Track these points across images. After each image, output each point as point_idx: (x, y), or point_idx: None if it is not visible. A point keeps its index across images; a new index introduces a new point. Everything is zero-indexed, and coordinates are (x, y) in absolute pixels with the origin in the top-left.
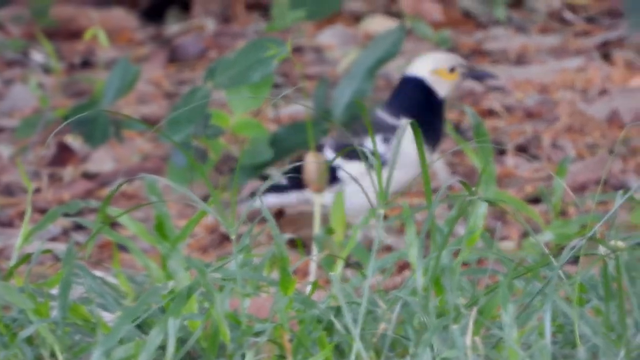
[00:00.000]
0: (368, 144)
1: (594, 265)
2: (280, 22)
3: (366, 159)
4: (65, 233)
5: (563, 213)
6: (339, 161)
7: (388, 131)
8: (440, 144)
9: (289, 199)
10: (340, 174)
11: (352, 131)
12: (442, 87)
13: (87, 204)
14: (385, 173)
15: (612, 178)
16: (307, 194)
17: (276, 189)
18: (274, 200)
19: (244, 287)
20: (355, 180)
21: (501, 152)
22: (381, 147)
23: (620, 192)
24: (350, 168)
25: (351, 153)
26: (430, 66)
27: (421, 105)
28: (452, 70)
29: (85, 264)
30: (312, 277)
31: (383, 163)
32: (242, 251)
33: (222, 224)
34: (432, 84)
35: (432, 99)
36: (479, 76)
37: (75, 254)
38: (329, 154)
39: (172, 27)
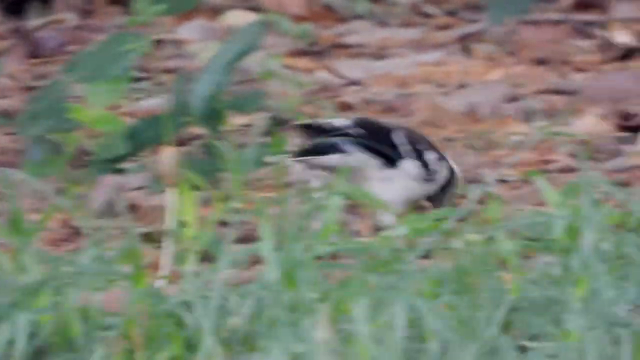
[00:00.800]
0: (428, 156)
1: (446, 259)
2: (141, 16)
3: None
4: None
5: (418, 207)
6: (405, 150)
7: (441, 156)
8: None
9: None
10: (402, 163)
11: (417, 135)
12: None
13: None
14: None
15: (467, 172)
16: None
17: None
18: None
19: (95, 281)
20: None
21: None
22: (435, 165)
23: (474, 186)
24: (409, 163)
25: (415, 151)
26: None
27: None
28: None
29: None
30: (163, 271)
31: (432, 179)
32: (94, 245)
33: (75, 217)
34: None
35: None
36: None
37: None
38: (396, 137)
39: (33, 21)
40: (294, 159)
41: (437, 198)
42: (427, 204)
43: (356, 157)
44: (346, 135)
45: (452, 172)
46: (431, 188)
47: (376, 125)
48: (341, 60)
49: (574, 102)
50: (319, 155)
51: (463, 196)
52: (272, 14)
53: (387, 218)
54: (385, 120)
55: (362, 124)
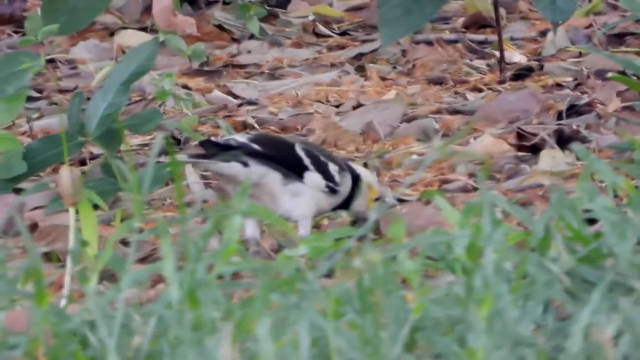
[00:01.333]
0: (331, 168)
1: (349, 279)
2: (33, 36)
3: (328, 179)
4: None
5: (317, 226)
6: (309, 164)
7: (341, 168)
8: None
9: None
10: (306, 175)
11: (320, 151)
12: (365, 174)
13: None
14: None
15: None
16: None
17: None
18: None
19: None
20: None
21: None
22: (337, 176)
23: (376, 204)
24: (313, 176)
25: (318, 165)
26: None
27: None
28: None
29: None
30: (66, 290)
31: (336, 190)
32: None
33: None
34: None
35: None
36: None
37: None
38: (299, 151)
39: None
40: (191, 159)
41: (342, 208)
42: (333, 214)
43: (257, 170)
44: (246, 148)
45: (355, 181)
46: (337, 199)
47: (277, 140)
48: (235, 80)
49: (471, 121)
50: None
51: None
52: (164, 34)
53: (301, 231)
54: (285, 135)
55: (262, 139)
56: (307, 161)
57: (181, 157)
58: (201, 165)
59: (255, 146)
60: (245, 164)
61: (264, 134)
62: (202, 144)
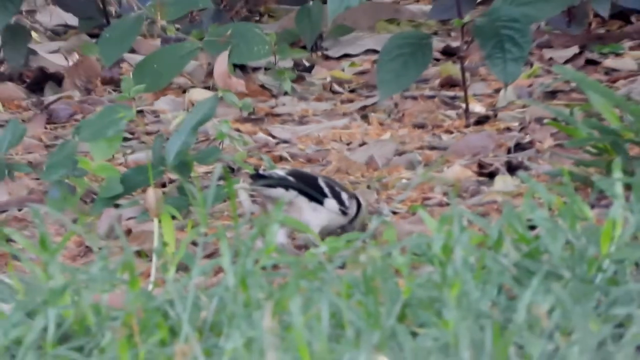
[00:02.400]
0: (343, 196)
1: (357, 269)
2: (127, 93)
3: (341, 204)
4: None
5: (334, 233)
6: (328, 192)
7: (350, 196)
8: None
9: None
10: (326, 201)
11: (335, 183)
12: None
13: None
14: (342, 219)
15: (369, 206)
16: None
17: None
18: (268, 192)
19: (103, 286)
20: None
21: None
22: (347, 202)
23: (375, 216)
24: (331, 202)
25: (334, 194)
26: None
27: (350, 192)
28: None
29: None
30: (152, 278)
31: (346, 212)
32: (101, 259)
33: (87, 239)
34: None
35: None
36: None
37: None
38: (321, 183)
39: (49, 97)
40: (248, 186)
41: (349, 226)
42: (340, 231)
43: (292, 193)
44: (284, 179)
45: (359, 206)
46: (345, 219)
47: (305, 174)
48: (274, 125)
49: (444, 155)
50: (266, 187)
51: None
52: (222, 91)
53: (313, 238)
54: (309, 170)
55: (295, 173)
56: (326, 190)
57: (242, 185)
58: (256, 189)
59: (290, 178)
60: (286, 188)
61: (296, 170)
62: (254, 176)
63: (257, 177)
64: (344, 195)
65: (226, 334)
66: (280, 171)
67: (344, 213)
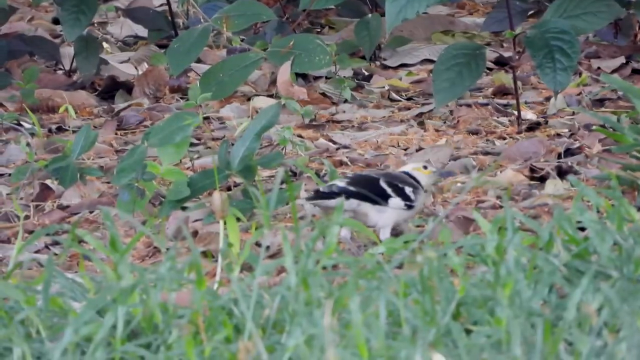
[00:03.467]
0: (407, 190)
1: (413, 269)
2: (194, 101)
3: (406, 199)
4: (46, 247)
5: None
6: (391, 192)
7: (414, 188)
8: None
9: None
10: (390, 201)
11: (396, 178)
12: (422, 178)
13: (61, 227)
14: (410, 212)
15: (425, 208)
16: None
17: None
18: (326, 204)
19: (170, 285)
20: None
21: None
22: (412, 195)
23: (431, 218)
24: (395, 200)
25: (398, 191)
26: (411, 166)
27: (411, 184)
28: (424, 167)
29: (60, 269)
30: (217, 277)
31: (412, 205)
32: (169, 259)
33: (155, 240)
34: (414, 174)
35: (416, 181)
36: (442, 174)
37: (53, 261)
38: (382, 184)
39: (120, 104)
40: (308, 202)
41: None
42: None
43: (354, 203)
44: (345, 191)
45: (422, 191)
46: (413, 212)
47: (367, 178)
48: (334, 131)
49: (497, 160)
50: (325, 199)
51: (424, 225)
52: (285, 99)
53: (382, 236)
54: (372, 170)
55: (356, 180)
56: (389, 190)
57: (303, 201)
58: (317, 204)
59: (351, 188)
60: (347, 198)
61: (357, 175)
62: (315, 194)
63: (316, 194)
64: (408, 190)
65: (288, 331)
66: (340, 182)
67: (410, 207)
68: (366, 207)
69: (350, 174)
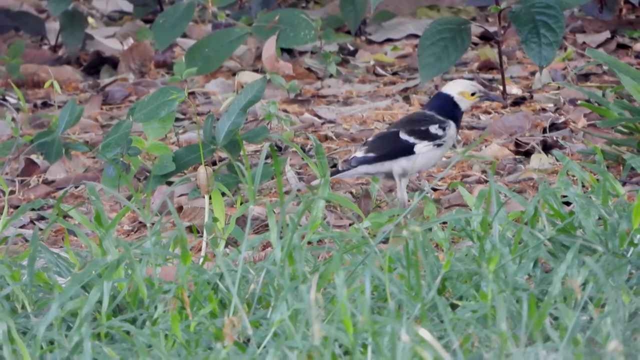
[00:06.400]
0: (432, 129)
1: (399, 243)
2: (179, 75)
3: (433, 138)
4: (31, 222)
5: (377, 207)
6: (414, 140)
7: (440, 123)
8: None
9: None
10: (415, 148)
11: (418, 122)
12: (464, 104)
13: (46, 202)
14: (442, 149)
15: (410, 183)
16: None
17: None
18: (364, 169)
19: (155, 260)
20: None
21: (333, 166)
22: (439, 132)
23: (417, 192)
24: (420, 145)
25: (421, 134)
26: (459, 89)
27: (452, 112)
28: (473, 94)
29: (46, 244)
30: (203, 252)
31: (442, 142)
32: (154, 234)
33: (140, 215)
34: (457, 100)
35: (457, 109)
36: (490, 98)
37: (38, 236)
38: (403, 136)
39: (105, 79)
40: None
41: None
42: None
43: (376, 167)
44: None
45: (457, 121)
46: (447, 147)
47: (386, 136)
48: (319, 106)
49: (483, 135)
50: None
51: (409, 200)
52: (270, 74)
53: (399, 188)
54: (392, 127)
55: (375, 144)
56: (411, 140)
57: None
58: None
59: (371, 154)
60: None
61: (377, 137)
62: (333, 173)
63: (335, 172)
64: (433, 128)
65: (273, 306)
66: (359, 152)
67: (439, 145)
68: (391, 164)
69: (370, 138)
